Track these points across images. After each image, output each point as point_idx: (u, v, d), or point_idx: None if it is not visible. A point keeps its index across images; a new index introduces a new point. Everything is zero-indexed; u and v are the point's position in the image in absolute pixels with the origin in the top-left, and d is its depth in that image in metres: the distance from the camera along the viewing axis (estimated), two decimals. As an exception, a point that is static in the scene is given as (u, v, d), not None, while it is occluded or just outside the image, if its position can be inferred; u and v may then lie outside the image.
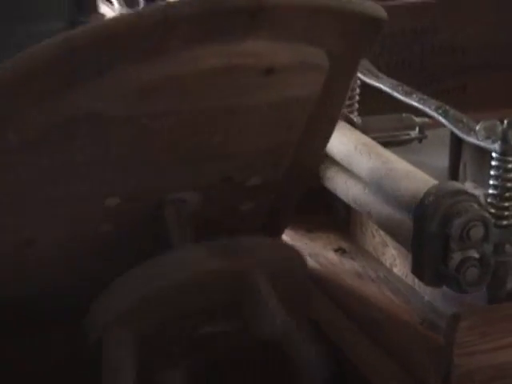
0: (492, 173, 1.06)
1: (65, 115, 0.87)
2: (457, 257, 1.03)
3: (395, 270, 1.22)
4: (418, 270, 1.06)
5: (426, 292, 1.16)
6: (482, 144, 1.05)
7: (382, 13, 0.97)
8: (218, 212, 1.06)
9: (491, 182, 1.06)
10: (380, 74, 1.24)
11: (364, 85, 1.26)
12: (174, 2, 0.89)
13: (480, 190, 1.07)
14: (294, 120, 1.03)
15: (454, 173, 2.38)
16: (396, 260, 1.22)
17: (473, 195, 1.04)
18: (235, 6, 0.86)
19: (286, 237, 1.28)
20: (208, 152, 0.98)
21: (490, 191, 1.06)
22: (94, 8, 2.53)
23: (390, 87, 1.21)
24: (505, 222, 1.05)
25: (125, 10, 2.35)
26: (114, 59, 0.85)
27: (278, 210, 1.17)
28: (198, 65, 0.88)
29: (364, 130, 1.23)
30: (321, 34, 0.94)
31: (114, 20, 0.91)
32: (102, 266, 1.00)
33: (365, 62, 1.25)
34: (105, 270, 0.96)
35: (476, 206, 1.03)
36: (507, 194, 1.05)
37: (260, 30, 0.88)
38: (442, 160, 2.56)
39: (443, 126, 1.13)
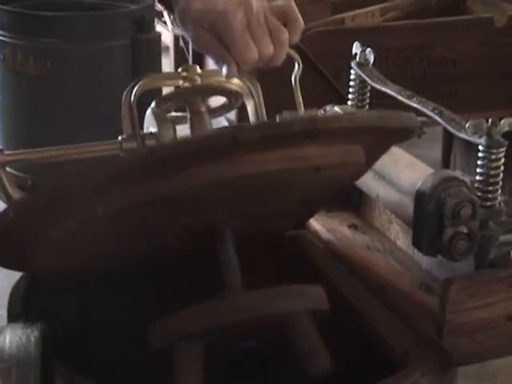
0: (479, 162, 1.05)
1: (142, 200, 0.88)
2: (449, 232, 1.03)
3: (398, 242, 1.21)
4: (417, 242, 1.07)
5: (424, 261, 1.15)
6: (471, 139, 1.05)
7: (416, 123, 0.97)
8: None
9: (478, 170, 1.05)
10: (387, 81, 1.23)
11: (373, 90, 1.25)
12: (242, 125, 0.93)
13: (468, 177, 1.05)
14: (333, 190, 1.05)
15: (446, 163, 2.40)
16: (399, 234, 1.21)
17: (463, 181, 1.04)
18: (295, 130, 0.86)
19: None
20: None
21: (477, 178, 1.05)
22: (152, 27, 2.53)
23: (394, 91, 1.20)
24: (489, 203, 1.05)
25: (177, 30, 2.34)
26: (191, 163, 0.86)
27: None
28: (259, 168, 0.88)
29: None
30: (363, 138, 0.94)
31: (192, 139, 0.93)
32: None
33: (374, 71, 1.25)
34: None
35: (465, 189, 1.03)
36: (491, 180, 1.05)
37: (313, 143, 0.89)
38: (436, 153, 2.57)
39: (438, 124, 1.12)
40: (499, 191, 1.05)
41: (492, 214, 1.04)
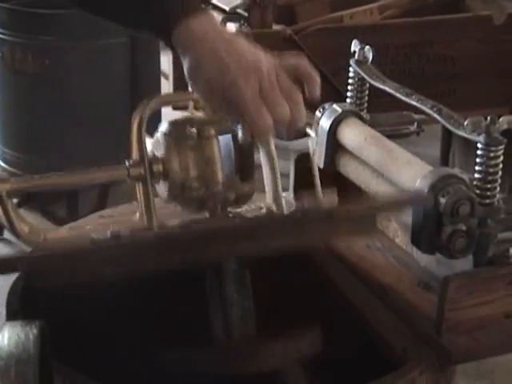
0: (477, 160, 1.05)
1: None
2: (448, 229, 1.02)
3: (397, 240, 1.21)
4: (416, 240, 1.06)
5: (423, 259, 1.15)
6: (470, 137, 1.05)
7: (430, 201, 1.00)
8: None
9: (476, 168, 1.05)
10: (386, 79, 1.23)
11: (372, 87, 1.25)
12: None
13: (466, 175, 1.05)
14: None
15: (444, 161, 2.40)
16: (398, 232, 1.21)
17: (461, 179, 1.04)
18: None
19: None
20: None
21: (476, 175, 1.05)
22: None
23: (393, 89, 1.20)
24: (487, 201, 1.05)
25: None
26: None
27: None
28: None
29: (372, 124, 1.21)
30: None
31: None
32: None
33: (373, 69, 1.25)
34: None
35: (464, 187, 1.03)
36: (489, 178, 1.05)
37: None
38: (435, 150, 2.57)
39: (437, 122, 1.12)
40: (498, 189, 1.05)
41: (491, 212, 1.04)
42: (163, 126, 1.07)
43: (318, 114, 1.22)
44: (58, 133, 2.55)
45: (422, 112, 1.15)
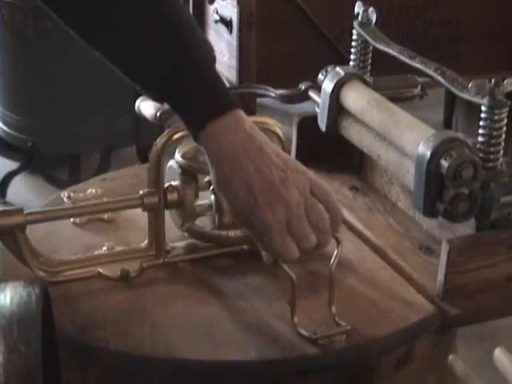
0: (481, 123, 1.05)
1: None
2: (450, 193, 1.02)
3: (399, 204, 1.21)
4: (418, 204, 1.05)
5: (425, 222, 1.15)
6: (473, 99, 1.04)
7: None
8: None
9: (480, 131, 1.05)
10: (389, 41, 1.22)
11: (376, 50, 1.24)
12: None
13: (469, 139, 1.04)
14: None
15: (448, 125, 2.39)
16: (400, 196, 1.21)
17: (465, 142, 1.03)
18: None
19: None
20: None
21: (479, 139, 1.05)
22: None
23: (397, 52, 1.19)
24: (490, 164, 1.05)
25: None
26: None
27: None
28: None
29: (375, 87, 1.21)
30: None
31: None
32: None
33: (376, 32, 1.24)
34: None
35: (467, 150, 1.02)
36: (493, 141, 1.04)
37: None
38: (439, 115, 2.56)
39: (441, 85, 1.11)
40: (501, 152, 1.04)
41: (494, 176, 1.04)
42: (179, 154, 1.07)
43: (320, 76, 1.21)
44: (58, 95, 2.53)
45: (426, 75, 1.14)
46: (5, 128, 2.67)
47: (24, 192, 2.70)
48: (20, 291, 0.76)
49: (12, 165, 2.72)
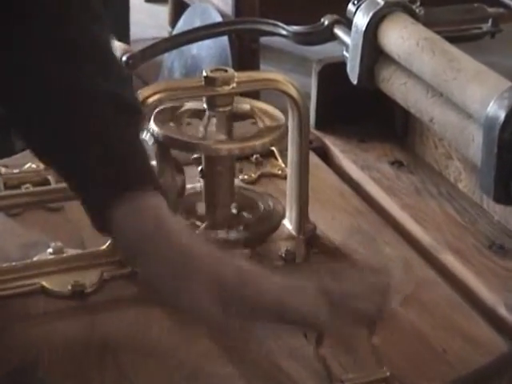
0: None
1: None
2: (533, 170, 0.94)
3: (460, 185, 1.10)
4: (487, 185, 0.95)
5: (496, 211, 1.04)
6: None
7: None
8: None
9: None
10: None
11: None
12: None
13: None
14: None
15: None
16: (461, 174, 1.10)
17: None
18: None
19: (335, 148, 1.16)
20: None
21: None
22: None
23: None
24: None
25: None
26: None
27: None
28: None
29: (427, 22, 1.10)
30: None
31: None
32: None
33: None
34: None
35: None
36: None
37: None
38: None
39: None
40: None
41: None
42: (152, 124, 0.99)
43: (351, 7, 1.11)
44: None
45: (500, 4, 1.11)
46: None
47: None
48: None
49: None
